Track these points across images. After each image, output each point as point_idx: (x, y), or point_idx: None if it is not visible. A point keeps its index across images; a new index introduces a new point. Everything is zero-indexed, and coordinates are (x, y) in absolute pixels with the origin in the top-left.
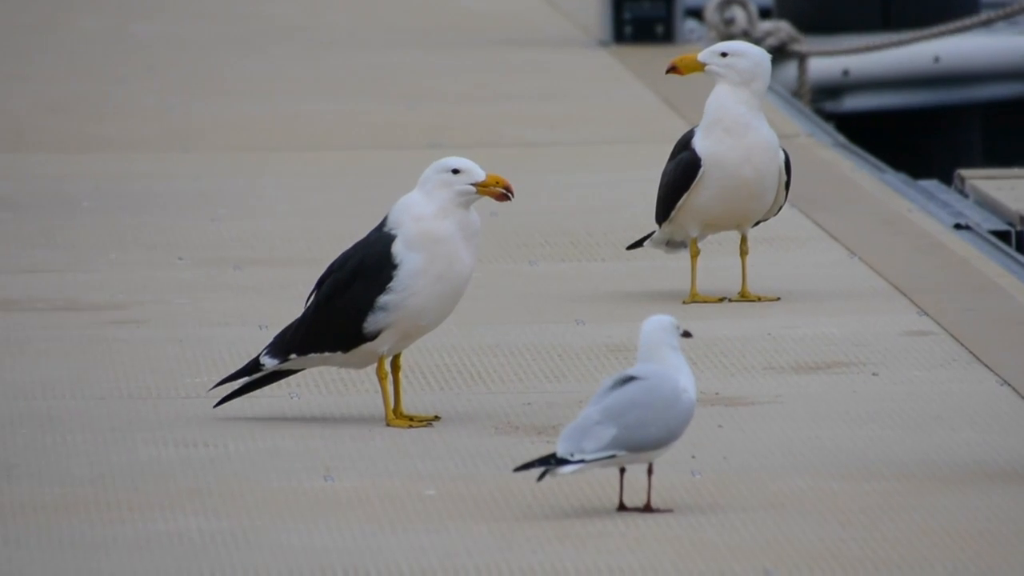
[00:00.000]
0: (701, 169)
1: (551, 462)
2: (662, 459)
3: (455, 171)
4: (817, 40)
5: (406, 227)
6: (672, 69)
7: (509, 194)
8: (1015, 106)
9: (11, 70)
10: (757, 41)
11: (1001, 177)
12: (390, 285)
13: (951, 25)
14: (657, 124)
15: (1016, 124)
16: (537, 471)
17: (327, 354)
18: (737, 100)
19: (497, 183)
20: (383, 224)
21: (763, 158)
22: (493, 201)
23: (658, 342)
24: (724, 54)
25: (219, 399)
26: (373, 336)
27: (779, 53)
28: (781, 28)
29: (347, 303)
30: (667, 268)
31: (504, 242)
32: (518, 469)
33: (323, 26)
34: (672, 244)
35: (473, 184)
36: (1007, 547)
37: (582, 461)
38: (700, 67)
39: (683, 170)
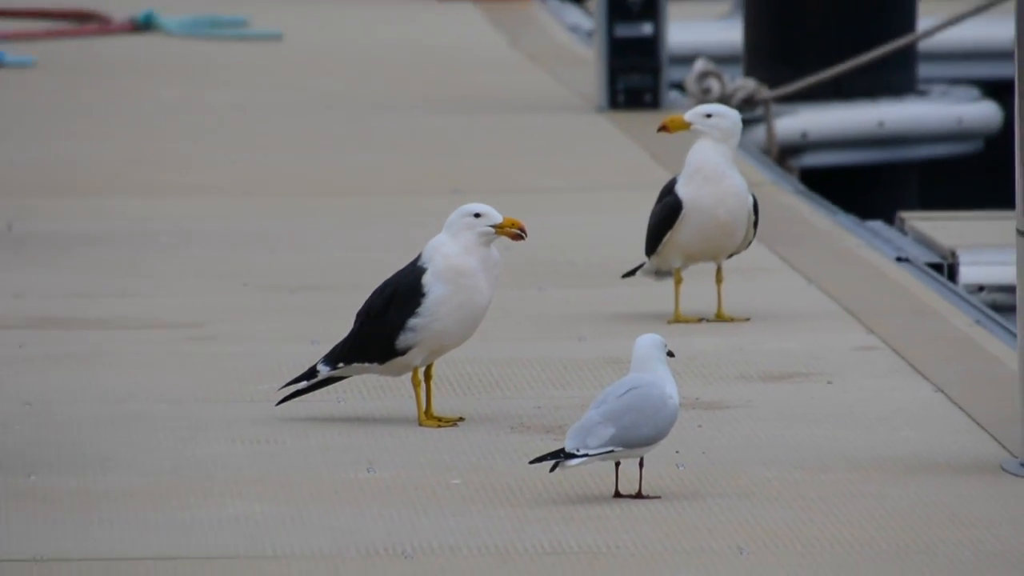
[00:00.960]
0: (683, 211)
1: (561, 456)
2: (651, 454)
3: (477, 215)
4: (781, 107)
5: (435, 262)
6: (663, 128)
7: (523, 234)
8: (944, 162)
9: (105, 130)
10: (729, 96)
11: (934, 219)
12: (418, 310)
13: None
14: (645, 175)
15: (945, 176)
16: (549, 463)
17: (367, 364)
18: (716, 153)
19: (512, 225)
20: (417, 259)
21: (735, 202)
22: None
23: (648, 356)
24: (708, 115)
25: (282, 398)
26: (404, 351)
27: (747, 103)
28: (748, 84)
29: (383, 324)
30: (655, 294)
31: (517, 272)
32: (533, 462)
33: (361, 95)
34: (659, 273)
35: (492, 226)
36: (941, 527)
37: (586, 455)
38: (687, 126)
39: (668, 212)
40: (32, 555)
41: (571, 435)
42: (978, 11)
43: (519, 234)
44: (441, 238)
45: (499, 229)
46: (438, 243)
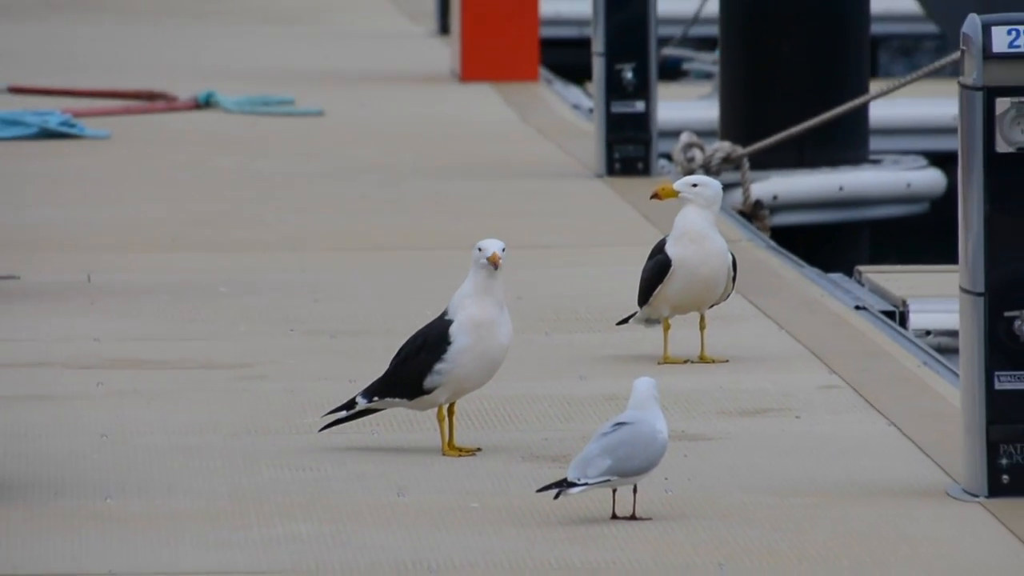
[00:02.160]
0: (671, 268)
1: (564, 484)
2: (643, 480)
3: (479, 248)
4: (755, 173)
5: (459, 315)
6: (655, 196)
7: (495, 266)
8: (895, 221)
9: (170, 194)
10: (710, 157)
11: (887, 272)
12: (443, 357)
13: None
14: (638, 233)
15: (897, 234)
16: (553, 491)
17: (399, 400)
18: (701, 218)
19: (491, 258)
20: (444, 313)
21: (717, 261)
22: (517, 284)
23: (645, 397)
24: (694, 184)
25: (324, 425)
26: (430, 391)
27: (725, 161)
28: (724, 145)
29: (413, 366)
30: (647, 338)
31: (526, 318)
32: (540, 490)
33: (393, 164)
34: (649, 321)
35: (487, 258)
36: (893, 544)
37: (586, 484)
38: (675, 194)
39: (658, 269)
40: (108, 570)
41: (573, 466)
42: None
43: (494, 265)
44: (463, 289)
45: (489, 260)
46: (461, 296)
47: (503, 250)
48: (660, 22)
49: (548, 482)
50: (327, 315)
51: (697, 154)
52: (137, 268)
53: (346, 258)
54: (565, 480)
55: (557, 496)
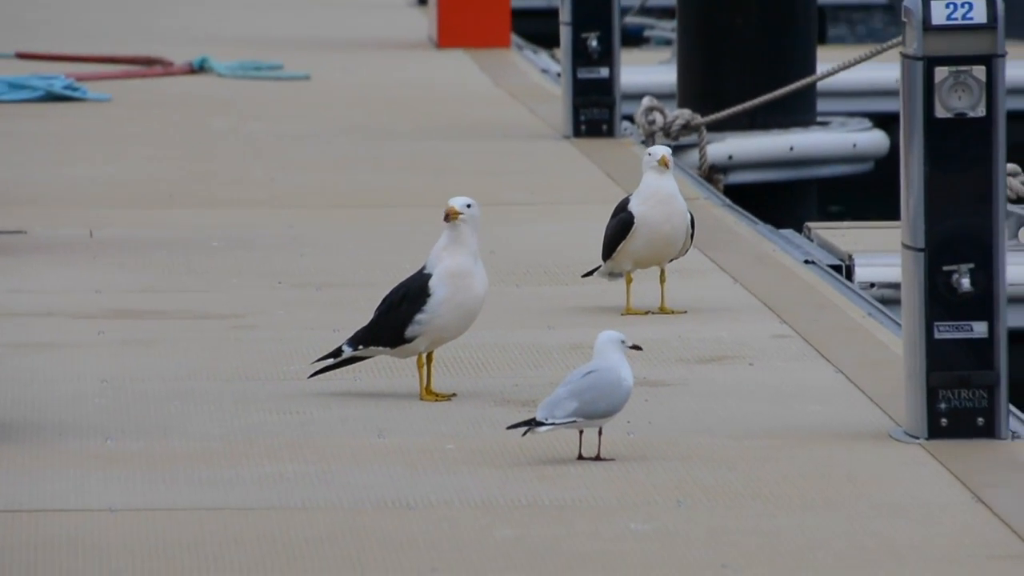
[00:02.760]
0: (634, 225)
1: (532, 423)
2: (608, 424)
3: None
4: (711, 135)
5: (438, 269)
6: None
7: (447, 218)
8: (843, 180)
9: (167, 153)
10: (670, 123)
11: (834, 228)
12: (423, 307)
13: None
14: (602, 192)
15: (843, 192)
16: (523, 429)
17: (382, 348)
18: (669, 181)
19: (448, 210)
20: (424, 267)
21: (678, 219)
22: (490, 239)
23: (604, 348)
24: (650, 154)
25: (313, 372)
26: (411, 340)
27: (684, 128)
28: (684, 113)
29: (396, 317)
30: (610, 291)
31: (498, 272)
32: (510, 428)
33: (375, 125)
34: (612, 275)
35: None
36: (840, 483)
37: (553, 423)
38: (666, 163)
39: (622, 226)
40: (107, 506)
41: (541, 407)
42: (863, 59)
43: (446, 217)
44: (439, 243)
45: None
46: (437, 249)
47: (468, 206)
48: None
49: (518, 421)
50: (313, 268)
51: (658, 117)
52: (136, 224)
53: (331, 215)
54: (534, 419)
55: (525, 433)
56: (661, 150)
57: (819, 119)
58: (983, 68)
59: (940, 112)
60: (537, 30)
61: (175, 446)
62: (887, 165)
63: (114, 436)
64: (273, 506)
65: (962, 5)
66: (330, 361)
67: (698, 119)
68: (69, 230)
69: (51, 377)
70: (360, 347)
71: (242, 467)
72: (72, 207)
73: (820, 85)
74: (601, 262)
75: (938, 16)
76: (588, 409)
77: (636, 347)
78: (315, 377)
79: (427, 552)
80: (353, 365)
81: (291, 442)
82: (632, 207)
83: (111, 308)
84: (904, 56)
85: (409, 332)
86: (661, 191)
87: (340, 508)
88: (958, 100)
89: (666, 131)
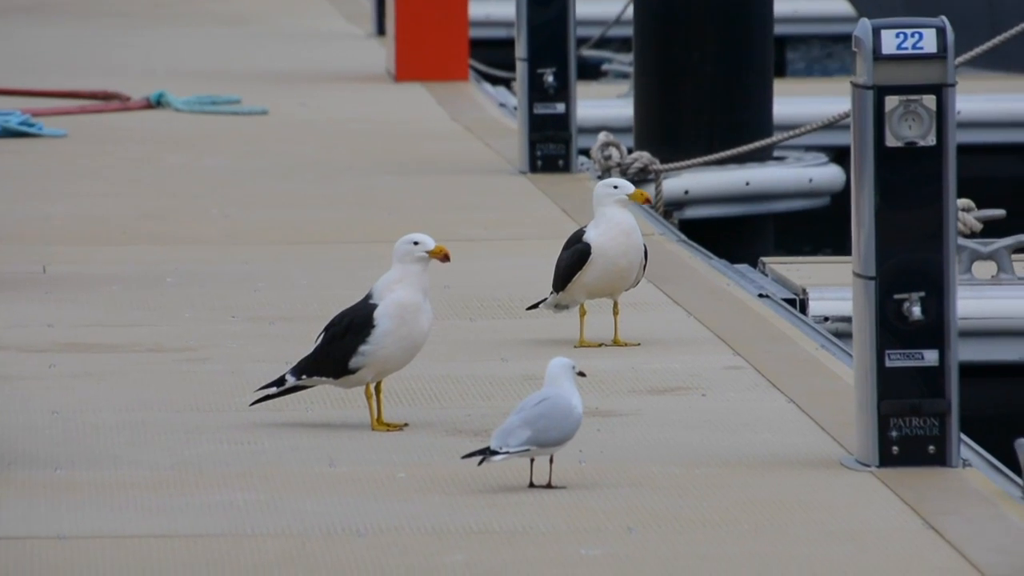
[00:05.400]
0: (591, 257)
1: (487, 452)
2: (560, 453)
3: (415, 243)
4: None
5: (385, 300)
6: (646, 201)
7: (449, 258)
8: (799, 215)
9: (122, 189)
10: (628, 165)
11: (789, 262)
12: (367, 339)
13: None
14: (557, 227)
15: (799, 227)
16: (477, 458)
17: (325, 378)
18: (629, 215)
19: (440, 251)
20: (369, 296)
21: (634, 254)
22: (445, 274)
23: (558, 375)
24: (616, 187)
25: (254, 400)
26: (355, 371)
27: (642, 173)
28: (643, 156)
29: (339, 347)
30: (564, 323)
31: (453, 305)
32: (465, 457)
33: (330, 160)
34: (559, 307)
35: (426, 251)
36: (791, 510)
37: (507, 452)
38: (646, 199)
39: (578, 256)
40: (56, 533)
41: (495, 436)
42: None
43: (446, 258)
44: (390, 275)
45: (432, 254)
46: (388, 281)
47: (415, 243)
48: (580, 23)
49: (472, 451)
50: (266, 303)
51: (614, 152)
52: (90, 260)
53: (284, 251)
54: (488, 449)
55: (481, 463)
56: (628, 185)
57: (775, 154)
58: (933, 97)
59: (891, 141)
60: (497, 60)
61: (125, 475)
62: (843, 200)
63: (64, 466)
64: (222, 533)
65: (912, 35)
66: (273, 390)
67: (656, 164)
68: (22, 266)
69: (1, 409)
70: (304, 376)
71: (192, 495)
72: (25, 243)
73: (777, 118)
74: (547, 295)
75: (888, 45)
76: (541, 437)
77: (581, 373)
78: (264, 408)
79: None
80: (304, 395)
81: (241, 471)
82: (589, 238)
83: (63, 342)
84: (854, 85)
85: (353, 363)
86: (623, 224)
87: (290, 535)
88: (908, 129)
89: (623, 171)
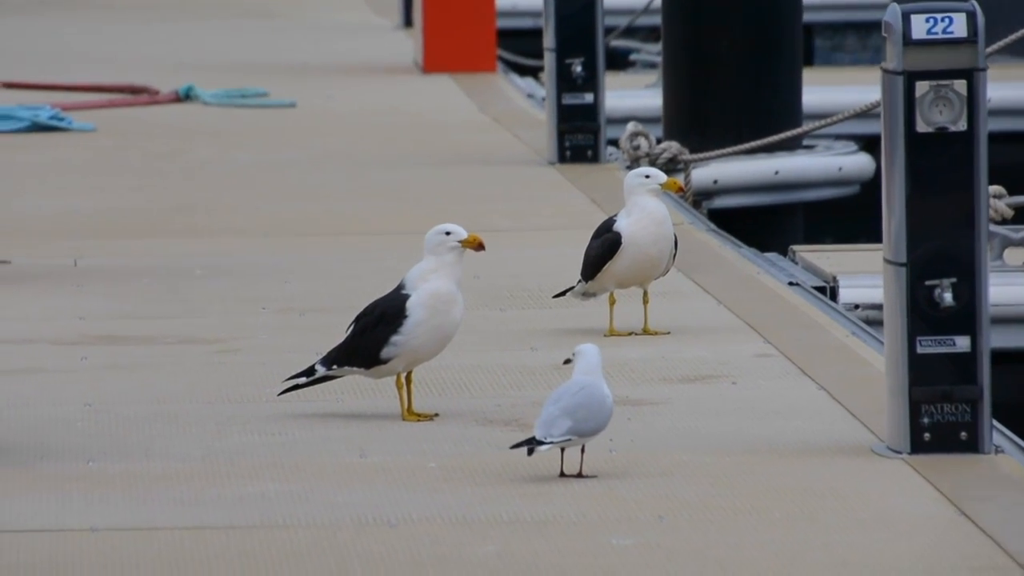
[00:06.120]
0: (622, 246)
1: (533, 442)
2: (590, 443)
3: (447, 233)
4: (694, 156)
5: (419, 289)
6: (679, 190)
7: (483, 247)
8: (827, 203)
9: (151, 182)
10: (657, 155)
11: (819, 250)
12: (400, 329)
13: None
14: (586, 217)
15: (828, 216)
16: (521, 449)
17: (356, 368)
18: (663, 205)
19: (474, 240)
20: (401, 286)
21: (665, 243)
22: (474, 253)
23: (595, 363)
24: (648, 176)
25: (283, 390)
26: (386, 361)
27: (671, 163)
28: (672, 146)
29: (371, 338)
30: (594, 313)
31: (483, 295)
32: (513, 447)
33: (360, 152)
34: (587, 295)
35: (460, 241)
36: (822, 498)
37: (551, 442)
38: (680, 188)
39: (609, 245)
40: (88, 526)
41: (538, 427)
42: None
43: (481, 246)
44: (422, 265)
45: (465, 243)
46: (422, 271)
47: (447, 233)
48: (608, 13)
49: (503, 444)
50: (296, 295)
51: (643, 142)
52: (120, 253)
53: (315, 242)
54: (533, 439)
55: (531, 453)
56: (660, 174)
57: (805, 143)
58: (964, 82)
59: (921, 127)
60: (525, 49)
61: (157, 467)
62: (872, 188)
63: (96, 458)
64: (254, 524)
65: (942, 19)
66: (302, 380)
67: (686, 154)
68: (53, 260)
69: (33, 401)
70: (334, 366)
71: (223, 487)
72: (56, 237)
73: (806, 107)
74: (574, 283)
75: (918, 31)
76: (581, 427)
77: (567, 360)
78: (295, 398)
79: (408, 569)
80: (334, 385)
81: (273, 462)
82: (620, 227)
83: (94, 335)
84: (885, 71)
85: (385, 354)
86: (656, 213)
87: (321, 526)
88: (939, 114)
89: (652, 160)
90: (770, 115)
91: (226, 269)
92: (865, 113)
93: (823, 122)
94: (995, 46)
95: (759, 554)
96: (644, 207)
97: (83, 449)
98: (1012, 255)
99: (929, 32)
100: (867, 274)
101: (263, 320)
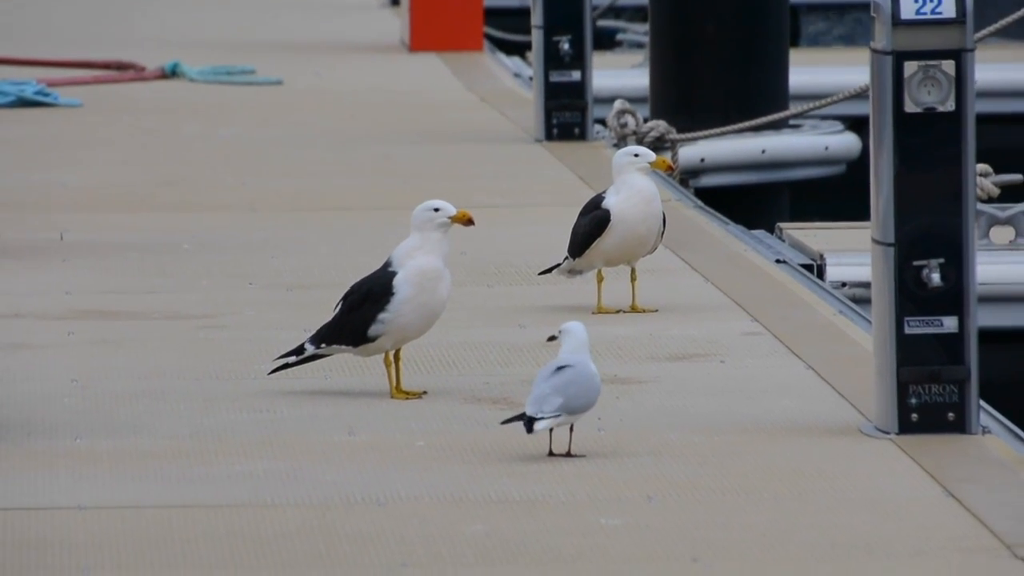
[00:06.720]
0: (610, 223)
1: (524, 418)
2: (578, 421)
3: (435, 209)
4: (681, 136)
5: (405, 266)
6: (668, 169)
7: (473, 222)
8: (815, 183)
9: (138, 158)
10: (644, 134)
11: (806, 228)
12: (387, 307)
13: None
14: (574, 193)
15: (814, 195)
16: (512, 424)
17: (344, 347)
18: (652, 183)
19: (463, 216)
20: (388, 264)
21: (653, 221)
22: (463, 230)
23: (582, 341)
24: (637, 155)
25: (273, 368)
26: (373, 339)
27: (658, 141)
28: (659, 125)
29: (358, 316)
30: (582, 290)
31: (471, 272)
32: (505, 422)
33: (346, 130)
34: (572, 272)
35: (448, 217)
36: (810, 477)
37: (543, 419)
38: (670, 167)
39: (597, 222)
40: (76, 503)
41: (529, 404)
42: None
43: (470, 221)
44: (409, 242)
45: (454, 219)
46: (408, 248)
47: (436, 210)
48: None
49: (491, 422)
50: (283, 270)
51: (630, 120)
52: (107, 227)
53: (301, 218)
54: (524, 414)
55: (530, 430)
56: (650, 152)
57: (791, 123)
58: (952, 62)
59: (909, 107)
60: (512, 27)
61: (145, 444)
62: (859, 168)
63: (83, 435)
64: (243, 503)
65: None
66: (292, 359)
67: (673, 133)
68: (40, 234)
69: (20, 377)
70: (323, 345)
71: (212, 465)
72: (43, 211)
73: (793, 87)
74: (560, 260)
75: (907, 10)
76: (572, 404)
77: (552, 338)
78: (284, 376)
79: (397, 547)
80: (322, 363)
81: (261, 440)
82: (609, 204)
83: (81, 309)
84: (873, 51)
85: (372, 331)
86: (645, 191)
87: (310, 505)
88: (927, 95)
89: (639, 139)
90: (757, 95)
91: (213, 244)
92: (854, 95)
93: (813, 104)
94: (986, 31)
95: (747, 534)
96: (633, 185)
97: (70, 426)
98: (998, 234)
99: (918, 12)
100: (854, 252)
101: (250, 295)
